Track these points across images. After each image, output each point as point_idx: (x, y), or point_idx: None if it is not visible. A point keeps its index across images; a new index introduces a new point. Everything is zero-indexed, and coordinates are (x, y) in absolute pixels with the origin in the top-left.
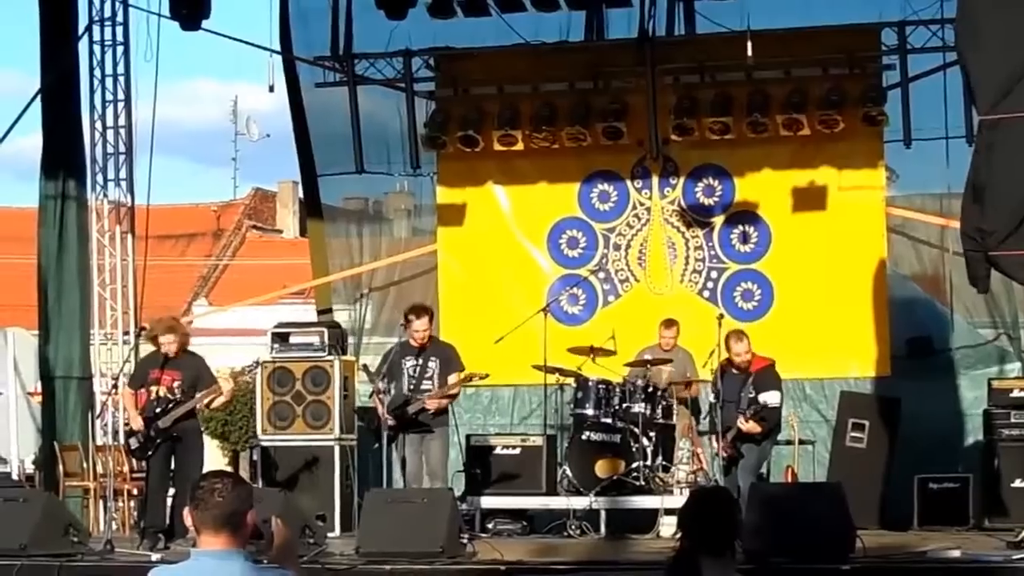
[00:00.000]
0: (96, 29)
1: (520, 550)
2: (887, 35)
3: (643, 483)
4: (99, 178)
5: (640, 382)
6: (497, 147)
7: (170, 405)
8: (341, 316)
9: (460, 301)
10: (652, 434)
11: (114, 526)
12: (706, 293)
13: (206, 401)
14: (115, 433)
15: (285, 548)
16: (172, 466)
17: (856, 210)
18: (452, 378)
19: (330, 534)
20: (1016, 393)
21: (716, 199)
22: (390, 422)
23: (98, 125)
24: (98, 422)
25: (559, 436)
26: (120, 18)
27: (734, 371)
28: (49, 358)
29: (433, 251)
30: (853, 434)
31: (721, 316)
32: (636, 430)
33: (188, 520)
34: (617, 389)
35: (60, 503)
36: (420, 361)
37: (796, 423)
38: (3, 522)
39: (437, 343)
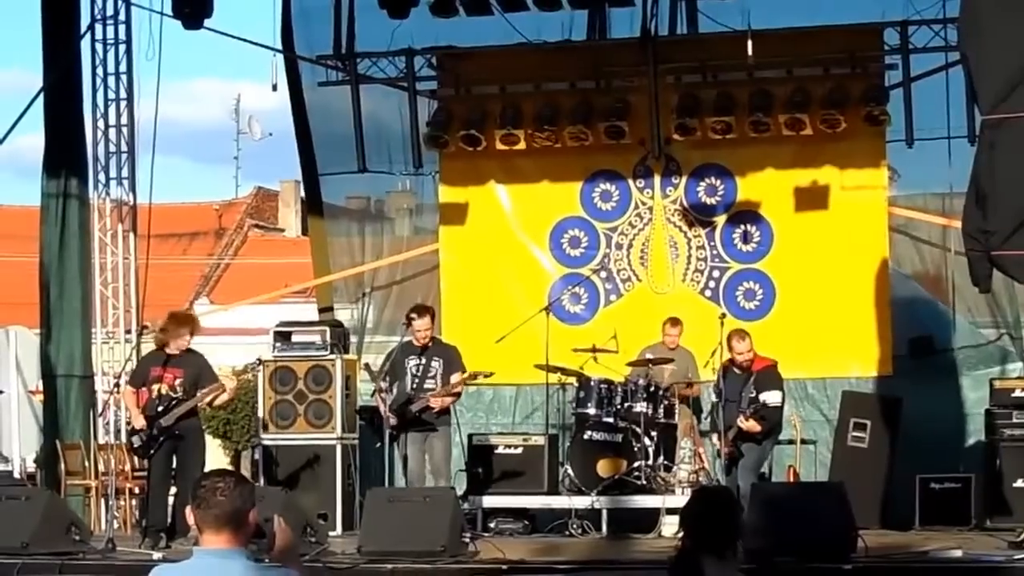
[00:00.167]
0: (98, 28)
1: (522, 549)
2: (889, 35)
3: (645, 482)
4: (101, 176)
5: (642, 381)
6: (499, 146)
7: (172, 403)
8: (342, 315)
9: (462, 300)
10: (654, 433)
11: (116, 525)
12: (708, 292)
13: (208, 399)
14: (117, 432)
15: (287, 547)
16: (174, 465)
17: (858, 210)
18: (455, 377)
19: (332, 533)
20: (1018, 393)
21: (718, 198)
22: (392, 421)
23: (100, 124)
24: (100, 420)
25: (561, 435)
26: (122, 17)
27: (736, 370)
28: (51, 356)
29: (435, 250)
30: (855, 434)
31: (723, 315)
32: (638, 429)
33: (190, 519)
34: (619, 388)
35: (62, 502)
36: (423, 361)
37: (798, 423)
38: (5, 521)
39: (439, 343)
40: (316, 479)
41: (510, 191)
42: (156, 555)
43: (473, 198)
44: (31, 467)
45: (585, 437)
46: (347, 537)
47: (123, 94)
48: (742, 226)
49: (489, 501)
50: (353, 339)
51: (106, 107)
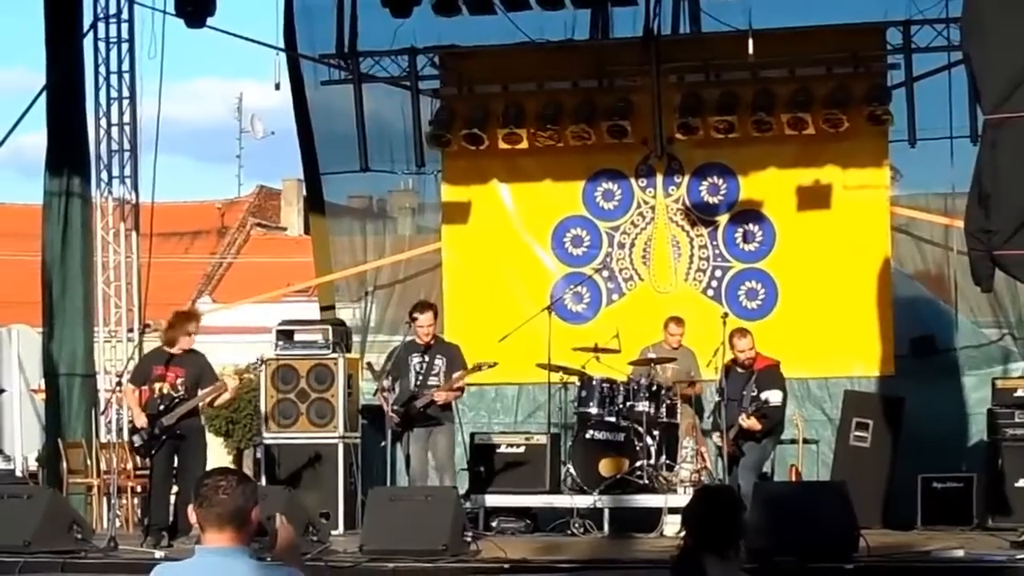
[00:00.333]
0: (101, 26)
1: (524, 548)
2: (892, 34)
3: (647, 482)
4: (104, 175)
5: (644, 381)
6: (502, 145)
7: (173, 403)
8: (344, 314)
9: (464, 299)
10: (656, 433)
11: (118, 523)
12: (710, 292)
13: (209, 399)
14: (119, 430)
15: (289, 546)
16: (175, 464)
17: (860, 209)
18: (458, 373)
19: (334, 532)
20: (1020, 393)
21: (720, 198)
22: (396, 420)
23: (103, 122)
24: (102, 419)
25: (563, 434)
26: (125, 15)
27: (738, 369)
28: (53, 355)
29: (437, 249)
30: (857, 433)
31: (726, 315)
32: (640, 429)
33: (192, 517)
34: (621, 388)
35: (64, 500)
36: (426, 358)
37: (800, 422)
38: (7, 519)
39: (442, 342)
40: (318, 478)
41: (512, 190)
42: (158, 554)
43: (475, 197)
44: (33, 466)
45: (587, 436)
46: (349, 536)
47: (126, 93)
48: (744, 225)
49: (491, 500)
50: (356, 338)
51: (109, 105)
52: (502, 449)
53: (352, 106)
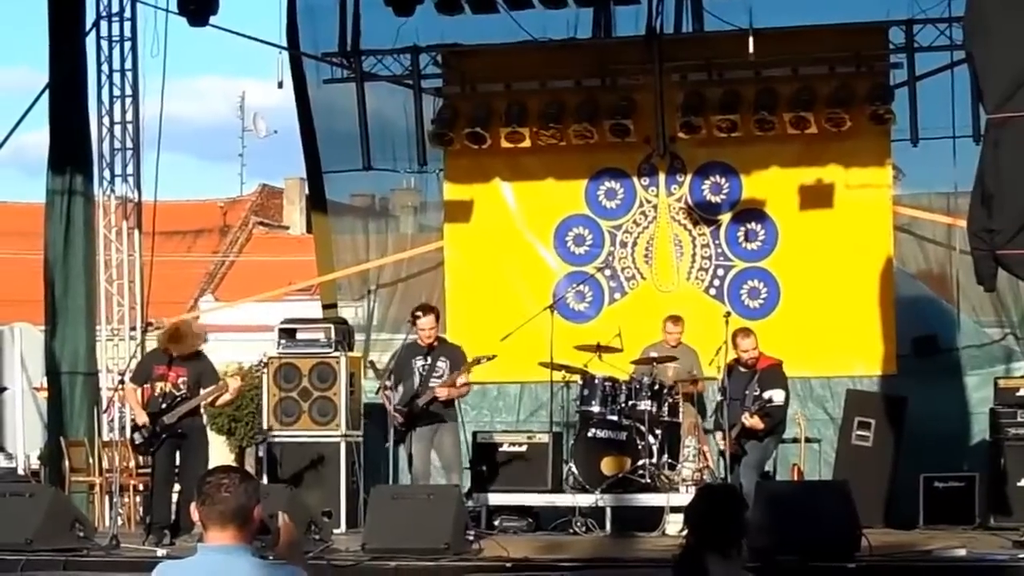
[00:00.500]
0: (104, 24)
1: (526, 547)
2: (895, 33)
3: (649, 480)
4: (106, 174)
5: (646, 379)
6: (504, 144)
7: (175, 401)
8: (346, 312)
9: (467, 298)
10: (658, 431)
11: (120, 522)
12: (712, 291)
13: (210, 399)
14: (121, 428)
15: (291, 544)
16: (177, 462)
17: (863, 208)
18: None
19: (336, 530)
20: (1022, 392)
21: (723, 197)
22: (399, 419)
23: (105, 121)
24: (104, 417)
25: (565, 433)
26: (128, 14)
27: (741, 369)
28: (55, 353)
29: (440, 248)
30: (859, 432)
31: (728, 314)
32: (642, 427)
33: (195, 515)
34: (623, 386)
35: (66, 498)
36: (429, 361)
37: (803, 421)
38: (9, 517)
39: (445, 344)
40: (320, 476)
41: (515, 189)
42: (160, 552)
43: (478, 196)
44: (35, 464)
45: (589, 435)
46: (351, 534)
47: (128, 91)
48: (747, 224)
49: (493, 499)
50: (358, 337)
51: (111, 104)
52: (504, 448)
53: (354, 104)
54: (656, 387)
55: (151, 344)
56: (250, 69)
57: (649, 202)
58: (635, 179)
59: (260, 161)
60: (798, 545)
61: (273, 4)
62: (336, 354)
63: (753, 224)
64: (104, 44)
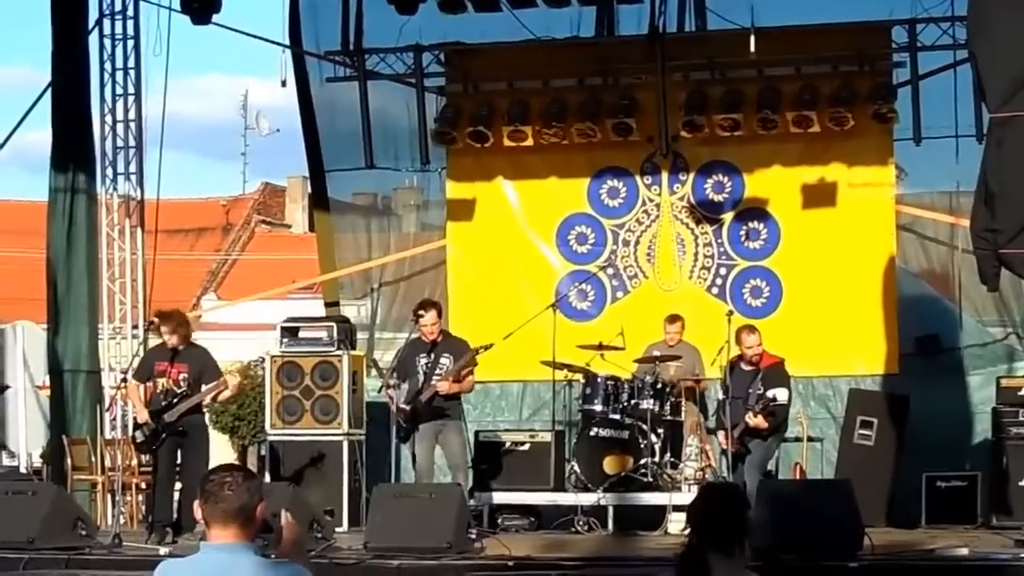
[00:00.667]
0: (106, 23)
1: (528, 546)
2: (898, 32)
3: (651, 479)
4: (108, 172)
5: (648, 378)
6: (507, 143)
7: (175, 399)
8: (349, 311)
9: (469, 296)
10: (660, 430)
11: (122, 520)
12: (715, 290)
13: (211, 396)
14: (124, 427)
15: (294, 542)
16: (179, 460)
17: (865, 207)
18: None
19: (338, 529)
20: None
21: (725, 196)
22: (403, 417)
23: (108, 119)
24: (106, 415)
25: (567, 432)
26: (131, 12)
27: (743, 367)
28: (58, 351)
29: (442, 246)
30: (861, 432)
31: (731, 313)
32: (644, 426)
33: (198, 513)
34: (625, 385)
35: (68, 497)
36: (432, 357)
37: (805, 420)
38: (11, 515)
39: (449, 338)
40: (322, 475)
41: (517, 187)
42: (163, 550)
43: (480, 194)
44: (37, 462)
45: (592, 434)
46: (353, 533)
47: (131, 89)
48: (749, 223)
49: (495, 497)
50: (361, 335)
51: (114, 102)
52: (507, 446)
53: (357, 103)
54: (658, 386)
55: (153, 342)
56: (253, 67)
57: (651, 201)
58: (638, 178)
59: (263, 159)
60: (800, 544)
61: (276, 2)
62: (338, 353)
63: (755, 223)
64: (107, 42)
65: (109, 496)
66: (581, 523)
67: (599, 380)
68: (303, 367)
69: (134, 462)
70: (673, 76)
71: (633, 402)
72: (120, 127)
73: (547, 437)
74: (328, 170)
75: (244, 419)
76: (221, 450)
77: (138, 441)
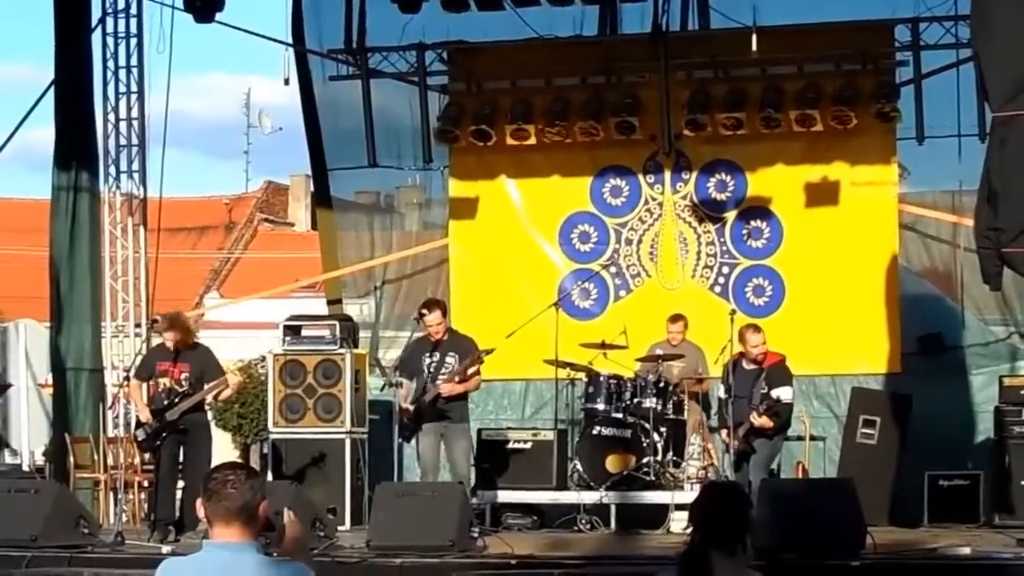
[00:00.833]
0: (110, 21)
1: (530, 544)
2: (900, 32)
3: (654, 478)
4: (111, 170)
5: (651, 377)
6: (510, 141)
7: (177, 398)
8: (351, 309)
9: (472, 295)
10: (663, 429)
11: (124, 518)
12: (717, 288)
13: (213, 394)
14: (126, 425)
15: (296, 540)
16: (181, 458)
17: (868, 206)
18: (470, 368)
19: (340, 527)
20: None
21: (728, 194)
22: (407, 415)
23: (111, 117)
24: (109, 414)
25: (570, 431)
26: (134, 10)
27: (746, 365)
28: (61, 350)
29: (445, 245)
30: (864, 430)
31: (733, 312)
32: (647, 425)
33: (200, 512)
34: (628, 384)
35: (71, 495)
36: (437, 356)
37: (807, 419)
38: (14, 513)
39: (455, 336)
40: (325, 473)
41: (520, 186)
42: (165, 548)
43: (483, 193)
44: (40, 460)
45: (594, 432)
46: (356, 531)
47: (134, 88)
48: (752, 222)
49: (498, 496)
50: (363, 334)
51: (117, 100)
52: (509, 445)
53: (360, 102)
54: (661, 385)
55: (156, 340)
56: (256, 66)
57: (654, 199)
58: (640, 176)
59: (265, 158)
60: (803, 543)
61: (279, 1)
62: (341, 351)
63: (758, 222)
64: (110, 40)
65: (111, 494)
66: (583, 522)
67: (602, 379)
68: (306, 365)
69: (136, 460)
70: (676, 75)
71: (636, 401)
72: (123, 125)
73: (550, 436)
74: (331, 168)
75: (247, 417)
76: (224, 448)
77: (140, 439)
